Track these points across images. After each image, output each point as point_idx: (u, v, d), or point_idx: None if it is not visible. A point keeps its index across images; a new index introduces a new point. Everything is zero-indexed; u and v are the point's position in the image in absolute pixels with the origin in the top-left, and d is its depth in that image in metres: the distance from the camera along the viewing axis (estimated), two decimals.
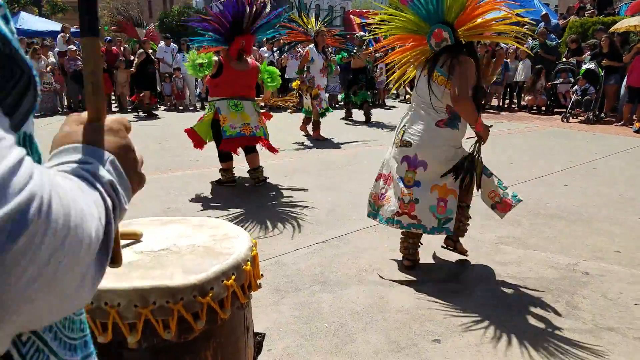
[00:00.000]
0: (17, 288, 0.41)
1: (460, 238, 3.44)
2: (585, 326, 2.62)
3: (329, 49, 8.82)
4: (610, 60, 10.05)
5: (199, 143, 5.21)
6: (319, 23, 7.84)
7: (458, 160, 3.06)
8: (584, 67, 10.42)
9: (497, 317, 2.71)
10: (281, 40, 8.99)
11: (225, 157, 5.22)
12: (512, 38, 3.18)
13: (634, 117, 9.44)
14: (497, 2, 3.01)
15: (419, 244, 3.37)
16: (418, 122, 3.12)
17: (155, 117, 11.17)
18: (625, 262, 3.40)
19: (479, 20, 2.99)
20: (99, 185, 0.55)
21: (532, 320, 2.68)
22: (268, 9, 5.16)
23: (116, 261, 0.69)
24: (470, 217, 3.41)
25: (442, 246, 3.55)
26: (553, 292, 2.99)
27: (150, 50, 11.73)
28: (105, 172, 0.57)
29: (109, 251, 0.56)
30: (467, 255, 3.45)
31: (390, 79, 3.61)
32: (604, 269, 3.30)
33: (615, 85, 10.34)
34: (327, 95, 8.12)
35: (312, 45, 7.76)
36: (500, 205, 3.14)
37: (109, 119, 0.67)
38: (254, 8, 4.88)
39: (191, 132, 5.17)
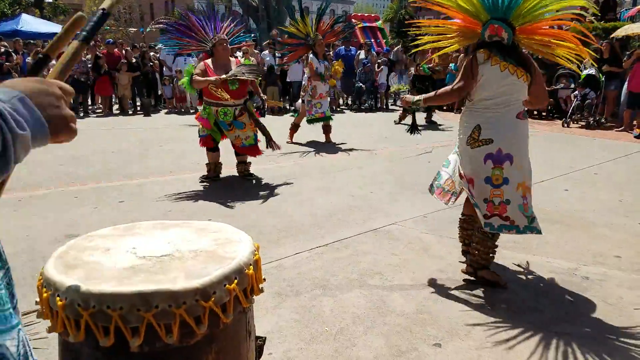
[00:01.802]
0: None
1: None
2: (585, 331, 2.62)
3: (330, 53, 8.83)
4: (611, 66, 10.07)
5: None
6: (313, 28, 7.79)
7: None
8: (585, 72, 10.44)
9: (498, 322, 2.71)
10: (284, 59, 9.10)
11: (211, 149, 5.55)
12: (565, 60, 3.12)
13: (634, 122, 9.45)
14: (569, 35, 3.04)
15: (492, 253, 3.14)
16: (495, 118, 3.01)
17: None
18: (625, 267, 3.40)
19: (542, 37, 3.04)
20: None
21: (533, 325, 2.67)
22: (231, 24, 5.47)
23: None
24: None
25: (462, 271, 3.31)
26: (553, 297, 2.99)
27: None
28: None
29: (9, 162, 0.66)
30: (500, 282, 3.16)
31: (424, 48, 3.60)
32: (604, 274, 3.30)
33: (616, 91, 10.36)
34: (328, 101, 8.05)
35: (312, 55, 7.76)
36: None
37: (51, 80, 0.81)
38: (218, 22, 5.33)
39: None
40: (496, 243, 3.11)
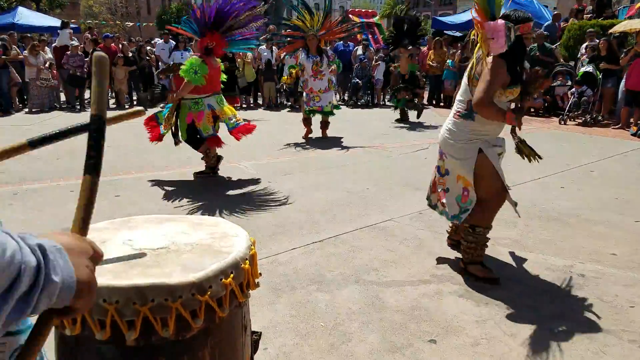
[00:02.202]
0: None
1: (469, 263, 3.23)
2: (580, 328, 2.63)
3: (328, 48, 8.76)
4: (608, 64, 10.08)
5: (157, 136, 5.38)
6: (315, 20, 7.75)
7: (468, 152, 3.09)
8: (582, 69, 10.46)
9: (493, 318, 2.72)
10: (280, 52, 9.04)
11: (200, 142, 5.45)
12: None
13: (632, 120, 9.47)
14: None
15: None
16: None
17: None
18: (621, 265, 3.41)
19: None
20: (17, 239, 0.60)
21: (528, 322, 2.69)
22: (255, 24, 5.35)
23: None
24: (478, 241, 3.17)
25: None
26: (549, 294, 3.01)
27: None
28: (36, 240, 0.63)
29: (30, 304, 0.59)
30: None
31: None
32: (600, 272, 3.31)
33: (613, 88, 10.37)
34: (327, 96, 7.97)
35: (302, 50, 7.76)
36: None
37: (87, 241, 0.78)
38: (239, 17, 5.11)
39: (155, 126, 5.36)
40: (484, 237, 3.14)
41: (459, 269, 3.29)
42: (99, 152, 0.88)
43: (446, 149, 3.22)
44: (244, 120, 5.52)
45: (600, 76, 10.27)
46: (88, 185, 0.86)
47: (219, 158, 5.58)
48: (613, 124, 10.12)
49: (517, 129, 2.99)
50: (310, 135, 8.16)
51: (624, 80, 9.89)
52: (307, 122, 8.11)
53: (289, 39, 8.31)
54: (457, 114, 3.12)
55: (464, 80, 3.09)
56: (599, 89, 10.36)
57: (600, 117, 10.48)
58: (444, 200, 3.30)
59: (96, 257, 0.77)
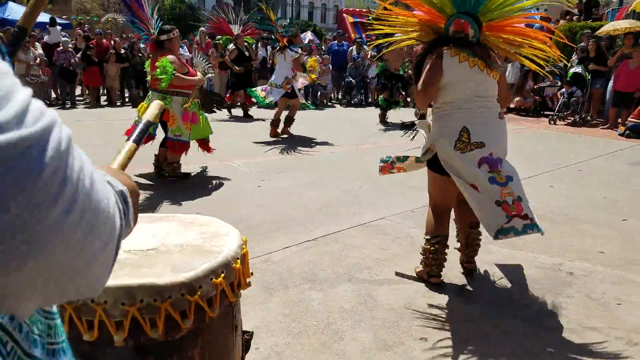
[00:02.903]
0: (49, 217, 0.42)
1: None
2: (569, 325, 2.66)
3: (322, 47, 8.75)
4: (597, 65, 10.18)
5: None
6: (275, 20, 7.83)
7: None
8: (572, 70, 10.54)
9: (483, 316, 2.74)
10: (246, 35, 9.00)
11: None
12: (527, 60, 3.03)
13: (619, 120, 9.57)
14: (535, 33, 3.01)
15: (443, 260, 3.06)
16: (480, 119, 2.83)
17: (251, 117, 10.33)
18: (608, 263, 3.45)
19: (508, 36, 2.89)
20: (112, 190, 0.58)
21: (517, 319, 2.71)
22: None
23: None
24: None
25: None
26: (538, 292, 3.03)
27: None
28: (119, 184, 0.62)
29: (113, 259, 0.56)
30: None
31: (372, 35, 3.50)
32: (588, 270, 3.34)
33: (601, 89, 10.48)
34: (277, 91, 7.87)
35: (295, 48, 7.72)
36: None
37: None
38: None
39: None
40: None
41: (467, 270, 3.22)
42: (143, 136, 1.01)
43: (503, 152, 2.88)
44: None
45: (589, 77, 10.36)
46: (131, 151, 0.96)
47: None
48: (601, 124, 10.22)
49: None
50: (302, 134, 8.17)
51: (612, 81, 9.99)
52: (282, 123, 8.12)
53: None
54: (501, 114, 2.94)
55: (482, 77, 2.81)
56: (588, 90, 10.45)
57: (589, 117, 10.58)
58: (526, 213, 2.73)
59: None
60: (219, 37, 11.97)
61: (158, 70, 4.82)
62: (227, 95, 10.69)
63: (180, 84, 5.00)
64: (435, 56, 2.87)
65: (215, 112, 5.79)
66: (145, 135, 1.04)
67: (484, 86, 2.84)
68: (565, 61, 3.28)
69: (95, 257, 0.49)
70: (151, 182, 5.24)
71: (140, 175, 5.42)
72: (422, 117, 3.17)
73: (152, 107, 1.11)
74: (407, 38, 3.20)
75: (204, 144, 5.46)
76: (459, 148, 2.80)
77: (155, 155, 5.45)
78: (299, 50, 7.75)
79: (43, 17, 17.41)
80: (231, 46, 10.47)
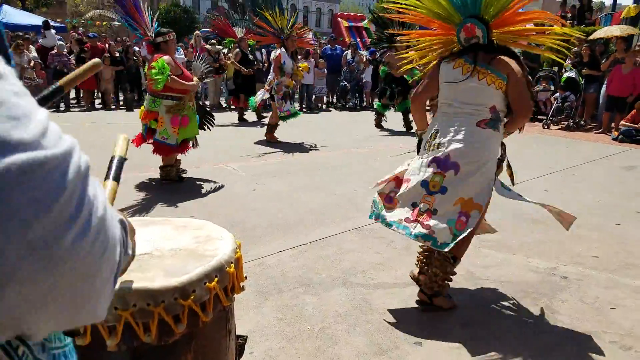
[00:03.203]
0: (64, 241, 0.44)
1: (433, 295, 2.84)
2: (563, 329, 2.66)
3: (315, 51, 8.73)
4: (590, 69, 10.26)
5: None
6: (288, 25, 7.73)
7: (488, 165, 2.72)
8: (565, 75, 10.61)
9: (478, 320, 2.74)
10: (249, 38, 8.87)
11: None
12: (547, 50, 2.97)
13: (613, 125, 9.64)
14: (542, 13, 2.84)
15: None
16: (453, 123, 2.75)
17: (246, 121, 10.30)
18: (602, 267, 3.46)
19: (519, 27, 2.76)
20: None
21: (511, 324, 2.71)
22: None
23: None
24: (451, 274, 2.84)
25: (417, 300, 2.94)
26: (532, 296, 3.04)
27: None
28: (117, 214, 0.63)
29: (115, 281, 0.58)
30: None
31: (403, 58, 3.32)
32: (582, 274, 3.36)
33: (595, 94, 10.56)
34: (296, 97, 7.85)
35: (282, 49, 7.57)
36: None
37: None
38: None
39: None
40: (455, 270, 2.84)
41: (418, 301, 2.89)
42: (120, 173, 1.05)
43: (466, 161, 2.67)
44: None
45: (583, 82, 10.43)
46: (113, 190, 1.01)
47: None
48: (595, 128, 10.29)
49: None
50: (296, 139, 8.11)
51: (605, 86, 10.07)
52: (274, 128, 7.94)
53: (259, 28, 8.16)
54: (484, 122, 2.69)
55: (471, 84, 2.71)
56: (582, 94, 10.51)
57: (582, 122, 10.65)
58: (429, 223, 2.65)
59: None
60: (213, 40, 11.96)
61: (153, 70, 4.83)
62: (231, 99, 10.68)
63: (175, 87, 4.99)
64: (432, 68, 2.91)
65: (204, 129, 5.68)
66: (121, 172, 1.06)
67: (469, 93, 2.73)
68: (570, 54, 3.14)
69: (108, 281, 0.51)
70: (145, 185, 5.22)
71: (135, 179, 5.40)
72: (421, 142, 3.02)
73: (120, 143, 1.12)
74: (432, 56, 3.12)
75: (183, 144, 5.39)
76: (425, 147, 2.86)
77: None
78: (278, 52, 7.58)
79: (37, 20, 17.38)
80: (235, 50, 10.46)
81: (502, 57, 2.70)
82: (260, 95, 7.89)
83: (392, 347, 2.47)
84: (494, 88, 2.68)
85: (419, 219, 2.69)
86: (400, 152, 7.40)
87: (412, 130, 9.32)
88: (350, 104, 13.47)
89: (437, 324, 2.69)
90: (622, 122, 9.12)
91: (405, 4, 2.96)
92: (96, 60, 1.02)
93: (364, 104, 13.66)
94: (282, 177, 5.79)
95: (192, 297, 1.16)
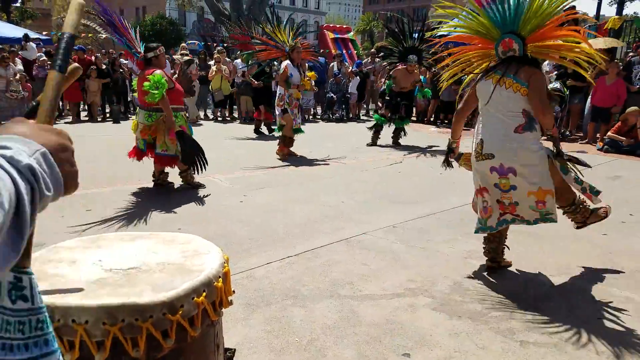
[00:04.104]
0: None
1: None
2: (550, 340, 2.69)
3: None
4: (575, 81, 10.43)
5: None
6: (290, 37, 7.77)
7: (541, 159, 3.20)
8: (550, 86, 10.76)
9: (465, 331, 2.75)
10: (256, 56, 8.83)
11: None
12: (571, 63, 3.37)
13: (598, 135, 9.79)
14: (576, 30, 3.18)
15: (502, 247, 3.54)
16: (496, 133, 3.23)
17: (263, 135, 10.20)
18: (589, 278, 3.51)
19: (553, 42, 3.16)
20: (10, 168, 0.59)
21: (499, 334, 2.73)
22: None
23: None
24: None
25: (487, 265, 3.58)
26: (519, 307, 3.06)
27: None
28: (25, 158, 0.62)
29: (23, 232, 0.59)
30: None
31: (445, 75, 3.68)
32: (569, 284, 3.40)
33: (580, 105, 10.72)
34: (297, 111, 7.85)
35: (288, 61, 7.52)
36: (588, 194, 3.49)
37: (57, 127, 0.77)
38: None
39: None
40: (581, 204, 3.52)
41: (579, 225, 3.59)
42: (67, 58, 0.86)
43: (518, 165, 3.17)
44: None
45: (568, 93, 10.60)
46: (57, 81, 0.84)
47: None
48: (580, 139, 10.44)
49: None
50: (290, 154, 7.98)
51: (590, 97, 10.24)
52: (292, 142, 7.83)
53: (262, 44, 8.17)
54: (521, 127, 3.16)
55: (503, 92, 3.16)
56: (567, 105, 10.68)
57: (568, 132, 10.81)
58: (517, 213, 3.33)
59: (72, 147, 0.77)
60: (183, 51, 11.97)
61: (147, 83, 4.92)
62: (255, 113, 10.60)
63: (162, 106, 5.05)
64: (471, 87, 3.40)
65: (194, 165, 5.35)
66: (70, 55, 0.87)
67: (503, 101, 3.18)
68: (602, 62, 3.51)
69: None
70: (134, 196, 5.19)
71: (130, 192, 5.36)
72: (450, 150, 3.69)
73: (71, 12, 0.91)
74: (474, 70, 3.54)
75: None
76: (476, 157, 3.33)
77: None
78: (284, 64, 7.51)
79: (22, 33, 17.31)
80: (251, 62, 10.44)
81: (527, 66, 3.15)
82: (278, 112, 7.79)
83: (380, 359, 2.47)
84: (519, 94, 3.13)
85: (506, 211, 3.34)
86: (387, 164, 7.45)
87: (400, 145, 9.38)
88: (337, 115, 13.54)
89: (425, 335, 2.70)
90: (608, 134, 9.27)
91: (452, 25, 3.47)
92: (75, 65, 0.94)
93: (350, 115, 13.73)
94: (269, 188, 5.79)
95: (181, 312, 1.16)
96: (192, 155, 5.27)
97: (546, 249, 4.03)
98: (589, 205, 3.51)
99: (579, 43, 3.15)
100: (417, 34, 9.17)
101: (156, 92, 4.88)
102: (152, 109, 5.12)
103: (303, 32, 8.42)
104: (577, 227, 3.60)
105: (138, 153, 5.42)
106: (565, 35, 3.18)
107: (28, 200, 0.59)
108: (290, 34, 7.74)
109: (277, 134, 7.96)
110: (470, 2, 3.30)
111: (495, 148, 3.20)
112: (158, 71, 5.01)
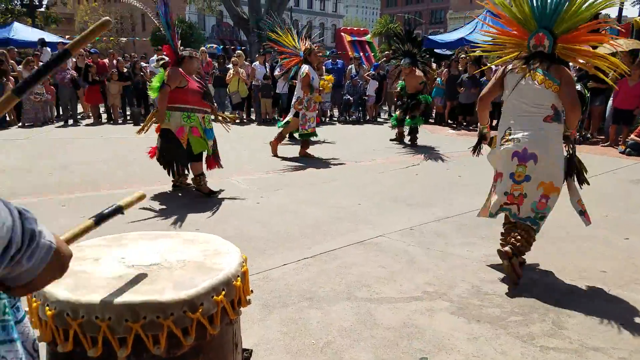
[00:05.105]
0: None
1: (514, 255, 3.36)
2: (571, 346, 2.64)
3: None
4: (596, 82, 10.25)
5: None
6: (305, 41, 7.79)
7: (559, 152, 3.30)
8: None
9: (484, 336, 2.73)
10: (282, 66, 8.90)
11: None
12: (597, 70, 3.42)
13: (620, 138, 9.61)
14: (608, 37, 3.28)
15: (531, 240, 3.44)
16: (524, 121, 3.32)
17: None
18: (611, 282, 3.44)
19: (580, 46, 3.25)
20: (17, 219, 0.70)
21: (519, 339, 2.70)
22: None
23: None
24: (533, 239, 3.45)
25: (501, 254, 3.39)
26: (539, 311, 3.02)
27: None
28: (39, 228, 0.74)
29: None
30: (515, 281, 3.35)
31: (489, 55, 4.01)
32: (590, 289, 3.34)
33: (601, 107, 10.54)
34: (315, 115, 7.86)
35: (309, 66, 7.52)
36: (587, 214, 3.50)
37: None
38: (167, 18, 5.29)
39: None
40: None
41: (500, 252, 3.34)
42: (104, 219, 1.11)
43: (544, 151, 3.24)
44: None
45: (589, 94, 10.42)
46: (86, 227, 1.08)
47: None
48: (602, 141, 10.26)
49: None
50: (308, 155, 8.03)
51: (611, 99, 10.06)
52: (282, 138, 8.03)
53: (282, 54, 8.27)
54: (550, 118, 3.26)
55: (534, 86, 3.27)
56: (588, 107, 10.50)
57: (589, 135, 10.63)
58: (523, 205, 3.39)
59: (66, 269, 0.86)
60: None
61: (154, 79, 5.17)
62: (284, 115, 10.67)
63: (158, 102, 5.15)
64: (500, 73, 3.50)
65: (165, 166, 5.60)
66: (109, 219, 1.12)
67: (533, 94, 3.28)
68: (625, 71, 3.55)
69: None
70: (154, 199, 5.25)
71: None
72: (482, 135, 3.74)
73: (131, 197, 1.21)
74: (505, 54, 3.69)
75: (208, 160, 5.50)
76: (501, 143, 3.41)
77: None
78: (306, 69, 7.48)
79: (49, 37, 17.69)
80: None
81: (558, 65, 3.28)
82: (292, 112, 7.84)
83: None
84: (550, 90, 3.24)
85: (514, 202, 3.39)
86: (403, 166, 7.42)
87: (417, 145, 9.41)
88: (354, 117, 13.54)
89: (443, 339, 2.68)
90: (631, 136, 9.09)
91: (498, 2, 3.53)
92: (105, 18, 1.05)
93: (367, 117, 13.72)
94: (286, 190, 5.81)
95: (200, 310, 1.18)
96: (165, 156, 5.38)
97: (566, 252, 3.97)
98: (532, 240, 3.43)
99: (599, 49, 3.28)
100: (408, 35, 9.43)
101: (155, 86, 5.10)
102: (171, 107, 5.18)
103: (310, 33, 8.41)
104: (500, 250, 3.35)
105: (154, 151, 5.50)
106: (593, 41, 3.27)
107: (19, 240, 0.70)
108: (296, 37, 7.77)
109: (279, 128, 8.12)
110: None
111: (523, 133, 3.28)
112: (167, 70, 5.18)
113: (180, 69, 5.19)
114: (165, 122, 5.20)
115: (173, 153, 5.31)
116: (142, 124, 5.66)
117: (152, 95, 5.23)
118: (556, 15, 3.19)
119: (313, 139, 8.11)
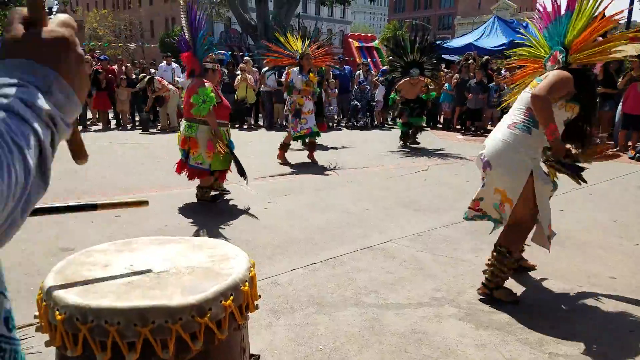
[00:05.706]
0: None
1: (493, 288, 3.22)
2: (580, 352, 2.62)
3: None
4: (605, 87, 10.20)
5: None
6: (305, 44, 7.83)
7: (521, 169, 3.05)
8: None
9: (492, 342, 2.71)
10: (265, 62, 8.94)
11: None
12: (622, 51, 3.22)
13: (629, 143, 9.54)
14: (614, 21, 3.18)
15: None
16: (497, 126, 3.28)
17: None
18: (620, 289, 3.41)
19: (592, 51, 3.12)
20: (32, 121, 0.58)
21: (527, 346, 2.68)
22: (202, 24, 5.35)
23: (80, 157, 0.84)
24: (508, 270, 3.19)
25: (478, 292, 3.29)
26: (548, 318, 3.00)
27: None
28: (43, 102, 0.60)
29: (46, 176, 0.62)
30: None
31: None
32: (599, 295, 3.31)
33: (610, 112, 10.48)
34: (313, 117, 7.86)
35: (295, 68, 7.61)
36: (550, 243, 3.27)
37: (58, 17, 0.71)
38: (193, 25, 5.20)
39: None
40: (508, 260, 3.15)
41: (480, 293, 3.24)
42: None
43: (495, 159, 3.12)
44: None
45: (598, 100, 10.36)
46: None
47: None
48: (611, 147, 10.18)
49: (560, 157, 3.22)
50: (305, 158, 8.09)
51: (621, 104, 10.00)
52: (286, 147, 7.99)
53: (275, 52, 8.27)
54: (514, 125, 3.11)
55: (522, 94, 3.21)
56: (597, 113, 10.44)
57: (598, 141, 10.54)
58: (480, 208, 3.35)
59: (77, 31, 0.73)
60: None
61: (195, 96, 4.94)
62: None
63: (209, 120, 5.04)
64: None
65: (244, 176, 5.40)
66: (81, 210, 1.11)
67: (519, 98, 3.23)
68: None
69: None
70: (159, 205, 5.28)
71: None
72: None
73: (132, 199, 1.23)
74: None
75: (221, 174, 5.48)
76: None
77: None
78: (288, 69, 7.62)
79: None
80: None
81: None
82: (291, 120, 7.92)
83: None
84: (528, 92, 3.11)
85: (480, 207, 3.36)
86: (411, 171, 7.41)
87: (419, 143, 9.73)
88: (361, 123, 13.56)
89: (451, 345, 2.67)
90: None
91: (517, 53, 3.62)
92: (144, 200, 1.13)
93: (375, 122, 13.74)
94: (294, 195, 5.82)
95: (209, 314, 1.18)
96: (242, 168, 5.32)
97: (575, 258, 3.94)
98: (507, 277, 3.21)
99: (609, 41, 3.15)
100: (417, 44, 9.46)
101: (203, 105, 4.91)
102: (194, 120, 5.10)
103: (321, 39, 8.46)
104: (480, 291, 3.26)
105: (182, 165, 5.34)
106: (601, 29, 3.11)
107: (48, 143, 0.61)
108: (305, 42, 7.81)
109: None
110: (531, 24, 3.50)
111: (488, 139, 3.25)
112: (208, 84, 5.03)
113: (212, 86, 5.11)
114: (192, 133, 5.13)
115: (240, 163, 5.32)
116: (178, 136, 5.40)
117: (202, 114, 4.97)
118: (564, 30, 3.15)
119: (318, 141, 8.07)
